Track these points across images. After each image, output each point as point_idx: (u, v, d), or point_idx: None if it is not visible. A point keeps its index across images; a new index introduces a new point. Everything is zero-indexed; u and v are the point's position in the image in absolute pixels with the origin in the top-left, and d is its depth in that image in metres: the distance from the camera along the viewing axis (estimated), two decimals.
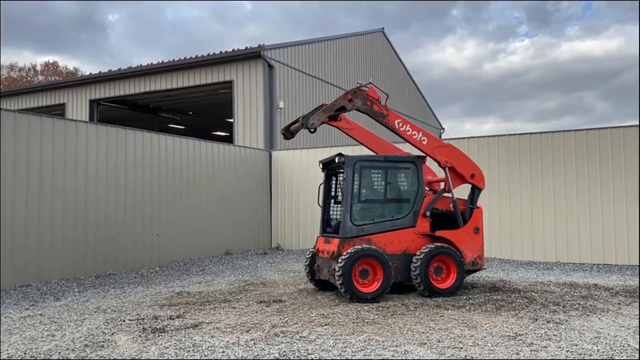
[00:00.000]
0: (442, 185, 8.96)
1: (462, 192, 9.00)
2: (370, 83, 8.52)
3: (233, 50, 18.39)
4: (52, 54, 69.92)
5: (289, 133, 9.04)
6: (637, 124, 12.05)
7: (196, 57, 19.03)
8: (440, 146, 8.71)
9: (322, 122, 8.46)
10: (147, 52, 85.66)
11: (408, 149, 9.70)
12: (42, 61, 53.09)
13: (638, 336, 5.83)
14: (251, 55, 17.84)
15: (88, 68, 70.80)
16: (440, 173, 9.19)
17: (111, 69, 21.58)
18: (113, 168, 11.43)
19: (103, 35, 78.63)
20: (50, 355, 5.23)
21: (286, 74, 18.87)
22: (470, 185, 8.91)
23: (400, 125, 8.46)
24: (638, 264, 11.38)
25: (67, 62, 74.00)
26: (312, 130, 8.32)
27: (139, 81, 20.48)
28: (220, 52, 18.57)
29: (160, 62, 20.19)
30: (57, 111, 22.68)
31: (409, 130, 8.52)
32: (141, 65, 20.91)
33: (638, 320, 6.59)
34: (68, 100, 22.41)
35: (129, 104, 23.32)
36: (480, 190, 8.90)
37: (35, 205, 9.83)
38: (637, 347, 5.39)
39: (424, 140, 8.59)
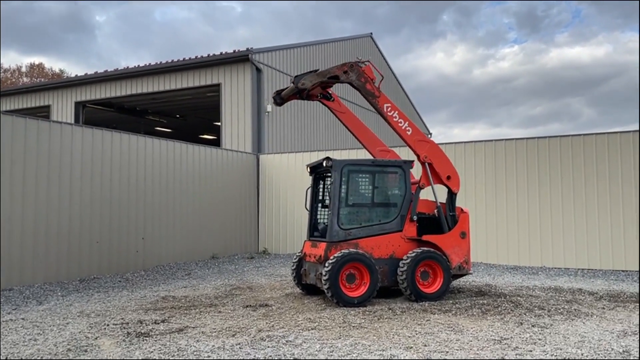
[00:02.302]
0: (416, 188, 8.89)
1: (443, 195, 8.98)
2: (368, 61, 8.51)
3: (221, 53, 18.35)
4: (38, 55, 69.24)
5: (279, 98, 8.99)
6: (624, 130, 12.22)
7: (184, 59, 18.95)
8: (423, 140, 8.70)
9: (314, 86, 8.32)
10: (134, 53, 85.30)
11: (397, 150, 9.70)
12: (28, 62, 52.56)
13: (638, 340, 5.89)
14: (239, 59, 17.81)
15: (74, 70, 70.22)
16: (417, 175, 9.14)
17: (97, 71, 21.41)
18: (98, 171, 11.32)
19: (90, 36, 78.16)
20: None
21: (274, 78, 18.85)
22: (446, 191, 8.91)
23: (388, 110, 8.43)
24: (638, 270, 11.49)
25: (54, 64, 73.42)
26: (303, 89, 8.14)
27: (126, 83, 20.34)
28: (208, 55, 18.51)
29: (148, 64, 20.07)
30: (42, 113, 22.43)
31: (395, 117, 8.50)
32: (128, 67, 20.79)
33: (638, 324, 6.66)
34: (53, 102, 22.19)
35: (115, 107, 23.13)
36: (454, 194, 8.89)
37: (19, 209, 9.70)
38: (621, 351, 5.45)
39: (408, 130, 8.58)
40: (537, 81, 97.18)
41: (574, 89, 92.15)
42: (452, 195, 8.88)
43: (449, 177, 8.83)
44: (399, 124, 8.54)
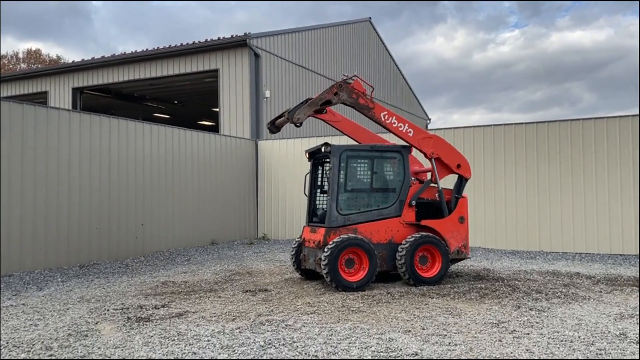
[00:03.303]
0: (428, 175, 9.01)
1: (448, 181, 9.05)
2: (355, 76, 8.50)
3: (219, 38, 18.22)
4: (35, 41, 68.72)
5: (274, 127, 9.01)
6: (623, 114, 12.19)
7: (181, 45, 18.83)
8: (426, 137, 8.74)
9: (308, 116, 8.42)
10: (132, 38, 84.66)
11: (394, 139, 9.71)
12: (25, 48, 52.19)
13: (638, 324, 5.94)
14: (237, 44, 17.69)
15: (71, 55, 69.89)
16: (427, 163, 9.23)
17: (95, 57, 21.29)
18: (96, 157, 11.30)
19: (87, 20, 77.46)
20: (33, 345, 5.18)
21: (272, 63, 18.75)
22: (457, 175, 8.98)
23: (386, 118, 8.46)
24: (638, 254, 11.54)
25: (50, 49, 72.89)
26: (298, 124, 8.29)
27: (123, 69, 20.22)
28: (206, 40, 18.39)
29: (145, 49, 19.95)
30: (40, 99, 22.33)
31: (395, 123, 8.52)
32: (125, 53, 20.65)
33: (638, 307, 6.70)
34: (50, 88, 22.07)
35: (113, 93, 23.02)
36: (466, 180, 8.99)
37: (17, 195, 9.70)
38: (618, 334, 5.49)
39: (410, 132, 8.61)
40: (537, 66, 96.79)
41: (575, 73, 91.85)
42: (462, 180, 8.95)
43: (459, 166, 8.89)
44: (400, 129, 8.57)
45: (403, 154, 8.74)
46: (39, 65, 39.81)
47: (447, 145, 8.94)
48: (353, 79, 8.39)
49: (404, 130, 8.58)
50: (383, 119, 8.43)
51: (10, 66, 42.30)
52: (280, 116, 8.95)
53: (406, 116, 30.05)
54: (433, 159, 8.67)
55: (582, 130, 12.42)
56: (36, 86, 22.55)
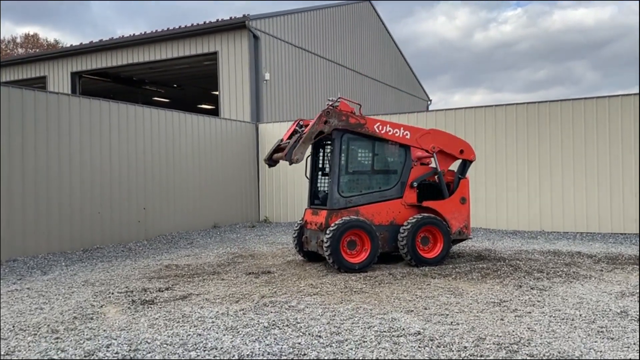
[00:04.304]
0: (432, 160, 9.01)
1: (457, 164, 9.07)
2: (340, 98, 8.48)
3: (217, 20, 18.06)
4: (33, 25, 68.12)
5: (272, 162, 9.04)
6: (624, 93, 12.12)
7: (180, 27, 18.66)
8: (424, 134, 8.69)
9: (304, 152, 8.23)
10: (130, 22, 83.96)
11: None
12: (22, 33, 51.78)
13: (637, 301, 5.98)
14: (236, 26, 17.53)
15: (69, 39, 69.40)
16: None
17: (93, 41, 21.12)
18: (97, 141, 11.29)
19: (84, 4, 76.71)
20: (39, 328, 5.23)
21: (272, 45, 18.61)
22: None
23: (380, 129, 8.43)
24: (638, 233, 11.58)
25: (48, 34, 72.25)
26: (297, 163, 8.17)
27: (122, 53, 20.08)
28: (205, 23, 18.22)
29: (144, 32, 19.78)
30: (38, 84, 22.21)
31: (390, 131, 8.49)
32: (123, 36, 20.49)
33: (638, 285, 6.75)
34: (49, 73, 21.95)
35: (112, 77, 22.89)
36: (471, 162, 9.04)
37: (19, 180, 9.71)
38: (619, 312, 5.53)
39: (407, 134, 8.59)
40: (539, 45, 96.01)
41: (577, 52, 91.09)
42: (466, 163, 9.02)
43: (462, 151, 8.94)
44: (396, 135, 8.54)
45: None
46: (37, 50, 39.53)
47: (445, 135, 8.94)
48: (338, 102, 8.33)
49: (400, 135, 8.57)
50: (378, 131, 8.41)
51: (8, 51, 42.02)
52: (276, 149, 8.91)
53: (406, 98, 29.95)
54: (435, 153, 8.66)
55: (583, 110, 12.37)
56: (34, 71, 22.42)
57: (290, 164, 8.20)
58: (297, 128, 8.85)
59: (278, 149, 8.92)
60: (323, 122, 8.09)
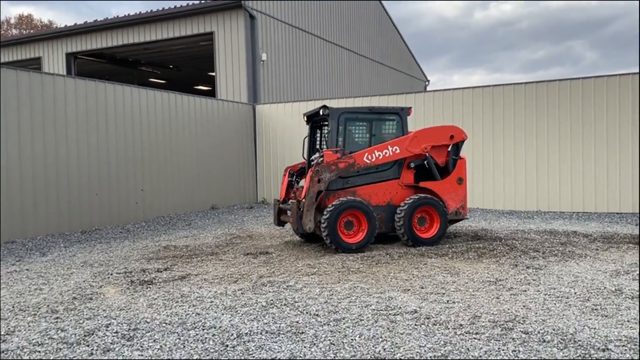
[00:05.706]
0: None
1: (464, 150, 9.00)
2: (322, 151, 8.32)
3: (213, 0, 17.85)
4: (26, 4, 67.12)
5: (281, 224, 9.18)
6: (623, 73, 12.08)
7: (175, 7, 18.45)
8: (411, 140, 8.52)
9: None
10: (126, 1, 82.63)
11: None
12: (16, 13, 51.14)
13: (633, 280, 6.04)
14: (232, 6, 17.33)
15: (64, 20, 68.44)
16: (427, 124, 9.13)
17: (88, 21, 20.88)
18: (94, 123, 11.24)
19: None
20: (39, 309, 5.27)
21: (268, 25, 18.43)
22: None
23: (370, 158, 8.30)
24: (638, 212, 11.63)
25: (42, 14, 71.15)
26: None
27: (117, 33, 19.88)
28: (200, 2, 18.02)
29: (139, 12, 19.56)
30: (33, 65, 22.02)
31: (379, 155, 8.35)
32: (119, 16, 20.26)
33: (638, 263, 6.81)
34: (44, 54, 21.74)
35: (107, 58, 22.68)
36: (463, 141, 8.97)
37: (16, 162, 9.69)
38: (614, 290, 5.60)
39: (396, 149, 8.43)
40: (539, 24, 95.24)
41: (577, 31, 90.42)
42: (458, 143, 8.94)
43: (452, 137, 8.82)
44: (387, 155, 8.39)
45: (402, 115, 8.73)
46: (31, 31, 39.09)
47: (430, 130, 8.82)
48: (323, 156, 8.21)
49: (390, 154, 8.41)
50: (369, 161, 8.30)
51: (2, 32, 41.54)
52: (282, 211, 8.93)
53: (404, 78, 29.78)
54: (428, 153, 8.60)
55: (581, 90, 12.34)
56: (29, 52, 22.20)
57: (302, 235, 8.71)
58: (290, 179, 9.03)
59: (280, 210, 8.98)
60: (317, 182, 8.05)
